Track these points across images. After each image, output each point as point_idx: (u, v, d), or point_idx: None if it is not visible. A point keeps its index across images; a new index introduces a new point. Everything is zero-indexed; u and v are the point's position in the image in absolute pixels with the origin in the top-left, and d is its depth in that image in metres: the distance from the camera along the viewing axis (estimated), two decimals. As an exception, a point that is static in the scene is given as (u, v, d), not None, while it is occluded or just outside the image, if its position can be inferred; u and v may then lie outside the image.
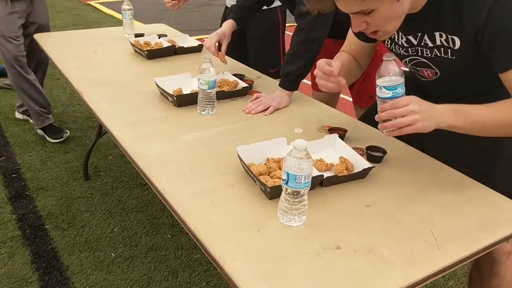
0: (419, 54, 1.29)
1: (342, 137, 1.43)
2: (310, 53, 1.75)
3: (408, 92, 1.17)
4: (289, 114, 1.69)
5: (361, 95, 2.17)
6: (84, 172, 2.63)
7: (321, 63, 1.26)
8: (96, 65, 2.13)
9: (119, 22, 6.62)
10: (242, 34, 2.60)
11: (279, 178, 1.13)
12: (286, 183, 1.00)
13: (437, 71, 1.30)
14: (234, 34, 2.63)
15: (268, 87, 1.90)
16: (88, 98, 1.76)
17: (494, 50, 1.11)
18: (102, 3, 7.92)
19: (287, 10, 2.22)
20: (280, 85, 1.80)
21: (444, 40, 1.20)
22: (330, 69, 1.24)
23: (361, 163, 1.25)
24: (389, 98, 1.13)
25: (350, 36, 1.50)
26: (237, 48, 2.51)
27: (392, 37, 1.33)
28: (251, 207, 1.11)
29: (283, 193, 1.04)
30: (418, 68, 1.34)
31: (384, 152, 1.34)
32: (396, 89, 1.12)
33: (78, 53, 2.29)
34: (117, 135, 1.48)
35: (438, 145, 1.36)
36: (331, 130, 1.49)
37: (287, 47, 1.87)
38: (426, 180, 1.25)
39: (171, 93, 1.72)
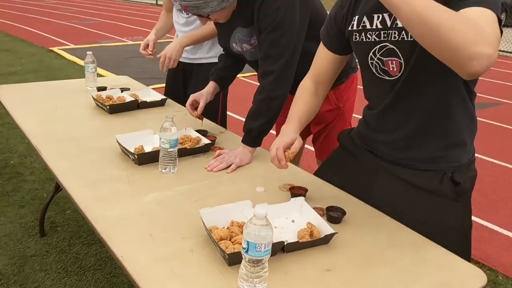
0: (389, 38, 1.32)
1: (303, 196, 1.45)
2: (272, 111, 1.79)
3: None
4: (251, 172, 1.71)
5: (324, 150, 2.21)
6: (40, 227, 2.53)
7: (280, 151, 1.37)
8: (56, 120, 2.10)
9: (81, 69, 6.58)
10: (184, 83, 2.66)
11: (240, 244, 1.13)
12: (246, 251, 1.00)
13: (402, 61, 1.31)
14: (176, 84, 2.70)
15: (231, 143, 1.92)
16: (46, 155, 1.73)
17: None
18: (65, 49, 7.90)
19: None
20: (242, 141, 1.82)
21: None
22: (282, 159, 1.37)
23: (324, 228, 1.26)
24: None
25: (318, 58, 1.57)
26: (177, 96, 2.63)
27: (364, 24, 1.37)
28: (212, 274, 1.10)
29: (243, 261, 1.03)
30: (384, 59, 1.36)
31: (344, 212, 1.37)
32: None
33: (38, 107, 2.26)
34: (75, 196, 1.44)
35: (391, 206, 1.42)
36: (292, 189, 1.51)
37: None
38: (384, 240, 1.28)
39: (132, 151, 1.71)
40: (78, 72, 6.42)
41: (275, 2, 1.71)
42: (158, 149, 1.66)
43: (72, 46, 8.34)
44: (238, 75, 2.21)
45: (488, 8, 1.06)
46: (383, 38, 1.35)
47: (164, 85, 2.81)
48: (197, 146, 1.84)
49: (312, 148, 2.26)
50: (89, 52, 2.60)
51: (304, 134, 2.28)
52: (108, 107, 2.20)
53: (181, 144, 1.81)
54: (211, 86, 2.09)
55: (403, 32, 1.29)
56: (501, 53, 10.61)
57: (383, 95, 1.42)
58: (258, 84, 1.83)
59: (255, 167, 1.75)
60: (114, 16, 13.83)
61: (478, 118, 1.42)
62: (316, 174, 1.73)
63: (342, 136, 1.75)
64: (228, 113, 2.67)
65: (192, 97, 2.03)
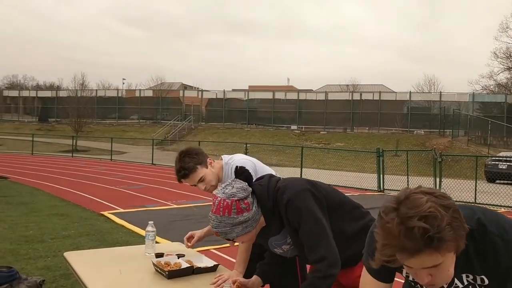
0: None
1: None
2: (325, 285, 1.99)
3: None
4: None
5: None
6: None
7: None
8: (121, 284, 2.34)
9: (129, 232, 6.99)
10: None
11: None
12: None
13: None
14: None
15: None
16: (116, 319, 1.93)
17: None
18: (114, 213, 8.44)
19: None
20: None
21: (472, 279, 1.38)
22: None
23: None
24: None
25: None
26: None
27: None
28: None
29: None
30: None
31: None
32: None
33: (104, 272, 2.52)
34: None
35: None
36: None
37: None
38: None
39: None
40: (126, 235, 6.79)
41: (298, 202, 2.03)
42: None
43: (121, 210, 8.92)
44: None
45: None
46: None
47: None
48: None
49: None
50: (151, 222, 2.95)
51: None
52: (167, 272, 2.44)
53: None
54: (255, 279, 2.32)
55: None
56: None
57: None
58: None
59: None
60: (159, 181, 14.83)
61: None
62: None
63: None
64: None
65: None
